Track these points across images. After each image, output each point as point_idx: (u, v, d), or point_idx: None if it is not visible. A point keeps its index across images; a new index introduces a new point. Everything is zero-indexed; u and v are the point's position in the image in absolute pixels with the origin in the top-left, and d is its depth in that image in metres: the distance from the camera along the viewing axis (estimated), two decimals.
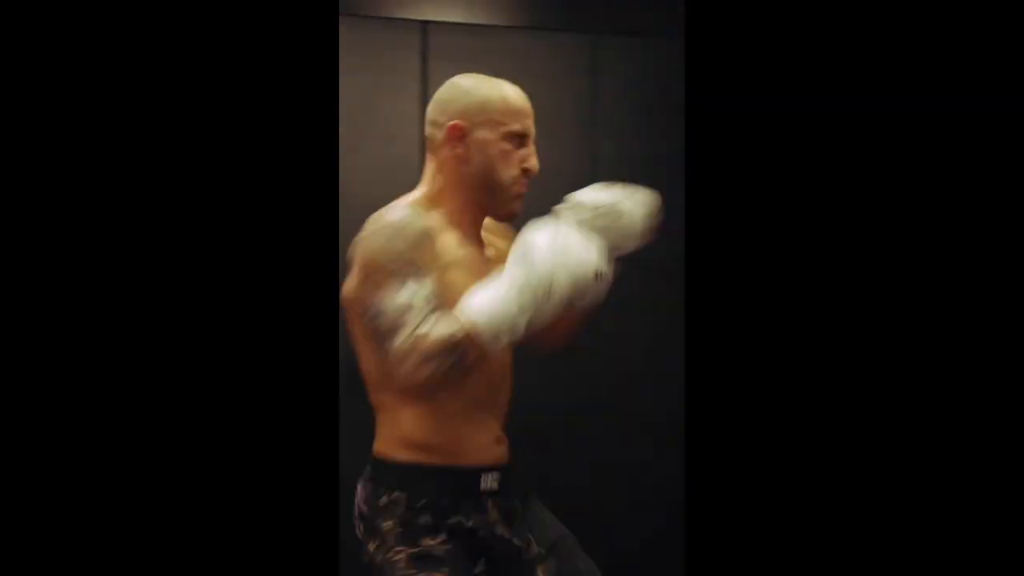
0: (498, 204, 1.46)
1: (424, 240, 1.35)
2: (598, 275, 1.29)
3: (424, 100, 2.58)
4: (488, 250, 1.53)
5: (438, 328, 1.29)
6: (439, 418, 1.40)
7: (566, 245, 1.29)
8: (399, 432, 1.42)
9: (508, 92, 1.46)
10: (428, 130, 1.48)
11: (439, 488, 1.38)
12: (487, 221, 1.54)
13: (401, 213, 1.38)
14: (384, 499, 1.39)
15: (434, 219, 1.41)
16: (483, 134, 1.44)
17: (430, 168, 1.48)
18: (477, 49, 2.61)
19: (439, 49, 2.61)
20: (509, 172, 1.44)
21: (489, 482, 1.43)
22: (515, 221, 1.46)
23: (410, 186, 1.48)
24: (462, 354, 1.28)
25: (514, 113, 1.45)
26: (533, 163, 1.46)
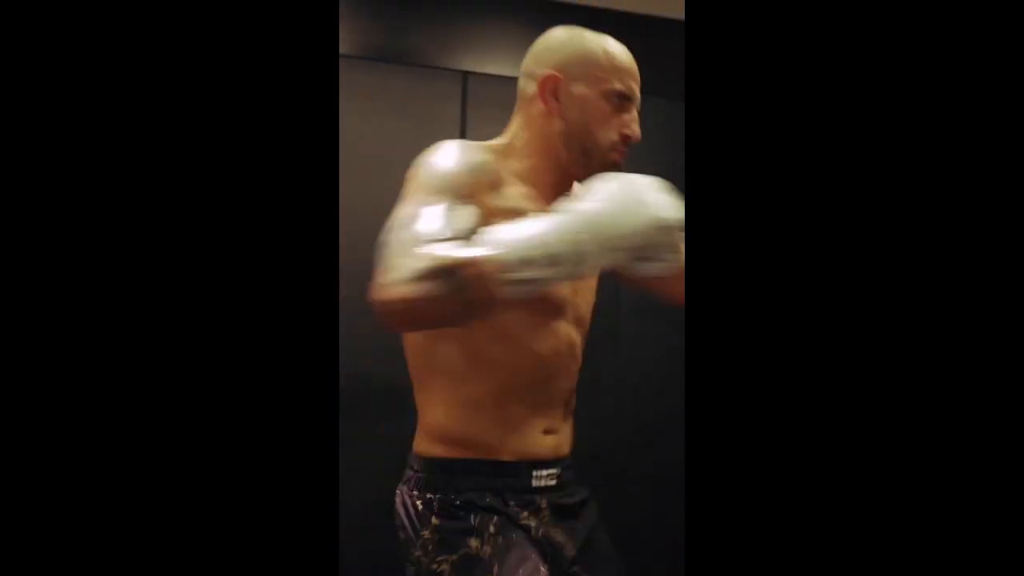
0: (590, 170, 1.22)
1: (480, 173, 1.17)
2: (662, 227, 1.03)
3: None
4: None
5: (442, 248, 1.01)
6: (468, 405, 1.22)
7: (631, 190, 1.04)
8: (432, 424, 1.25)
9: (613, 47, 1.27)
10: (520, 82, 1.31)
11: (479, 485, 1.21)
12: None
13: (462, 143, 1.20)
14: (419, 503, 1.22)
15: (508, 166, 1.24)
16: (581, 89, 1.25)
17: (515, 123, 1.30)
18: (513, 98, 2.71)
19: (478, 98, 2.72)
20: (607, 135, 1.25)
21: (544, 479, 1.26)
22: None
23: None
24: (459, 284, 0.98)
25: (618, 71, 1.26)
26: (635, 129, 1.26)
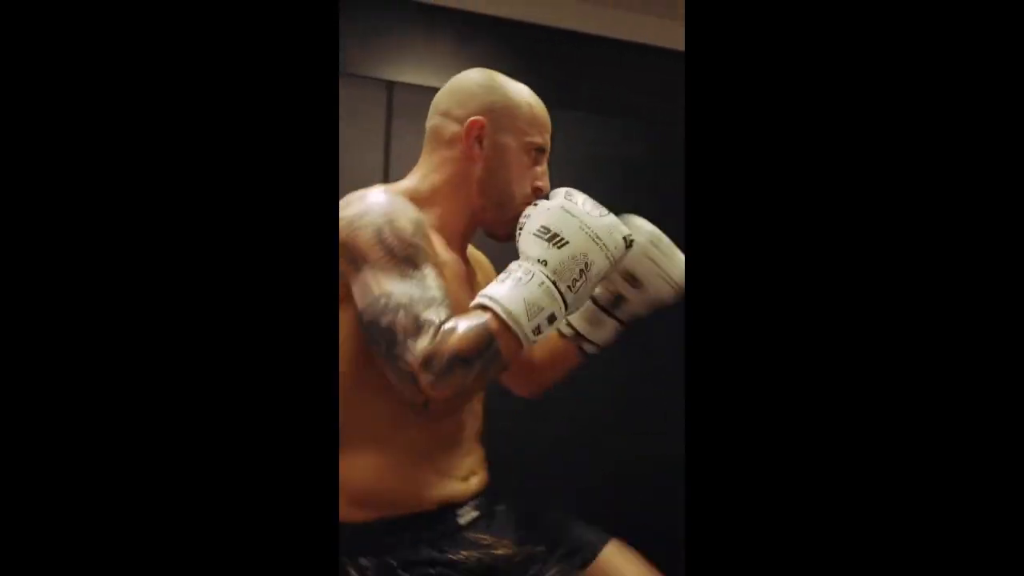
0: (501, 220, 1.24)
1: (423, 227, 1.15)
2: (628, 241, 1.15)
3: (387, 152, 2.67)
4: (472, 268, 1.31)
5: (465, 321, 1.06)
6: (397, 464, 1.18)
7: (590, 211, 1.13)
8: (358, 487, 1.17)
9: (533, 99, 1.28)
10: (434, 121, 1.28)
11: (411, 540, 1.16)
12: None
13: (390, 197, 1.15)
14: (356, 573, 1.15)
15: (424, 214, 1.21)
16: (505, 139, 1.24)
17: (426, 163, 1.27)
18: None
19: (403, 108, 2.71)
20: (522, 187, 1.24)
21: (467, 515, 1.23)
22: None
23: None
24: (496, 352, 1.06)
25: (537, 123, 1.26)
26: (546, 182, 1.26)
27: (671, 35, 3.01)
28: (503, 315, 1.06)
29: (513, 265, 1.12)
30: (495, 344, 1.06)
